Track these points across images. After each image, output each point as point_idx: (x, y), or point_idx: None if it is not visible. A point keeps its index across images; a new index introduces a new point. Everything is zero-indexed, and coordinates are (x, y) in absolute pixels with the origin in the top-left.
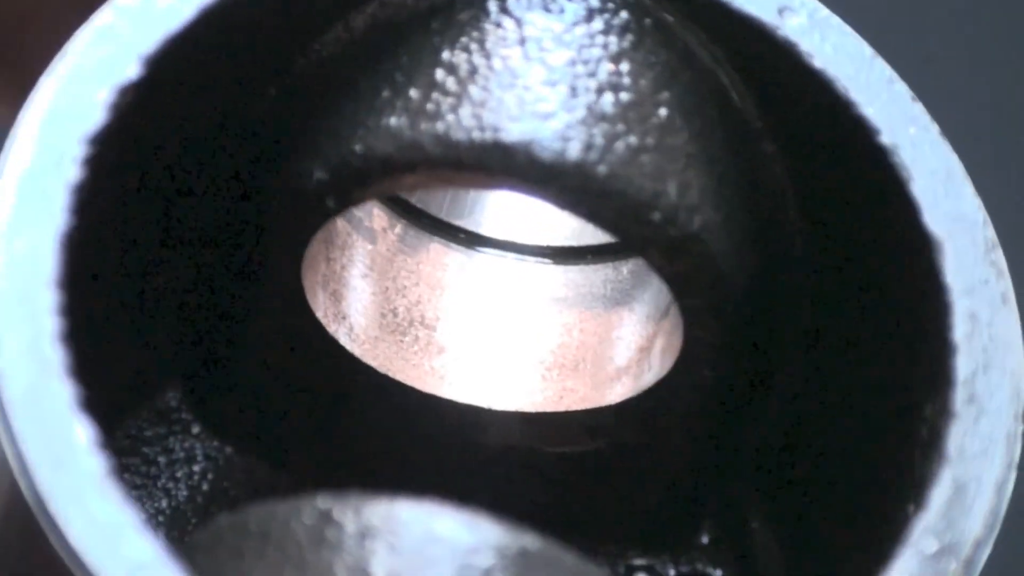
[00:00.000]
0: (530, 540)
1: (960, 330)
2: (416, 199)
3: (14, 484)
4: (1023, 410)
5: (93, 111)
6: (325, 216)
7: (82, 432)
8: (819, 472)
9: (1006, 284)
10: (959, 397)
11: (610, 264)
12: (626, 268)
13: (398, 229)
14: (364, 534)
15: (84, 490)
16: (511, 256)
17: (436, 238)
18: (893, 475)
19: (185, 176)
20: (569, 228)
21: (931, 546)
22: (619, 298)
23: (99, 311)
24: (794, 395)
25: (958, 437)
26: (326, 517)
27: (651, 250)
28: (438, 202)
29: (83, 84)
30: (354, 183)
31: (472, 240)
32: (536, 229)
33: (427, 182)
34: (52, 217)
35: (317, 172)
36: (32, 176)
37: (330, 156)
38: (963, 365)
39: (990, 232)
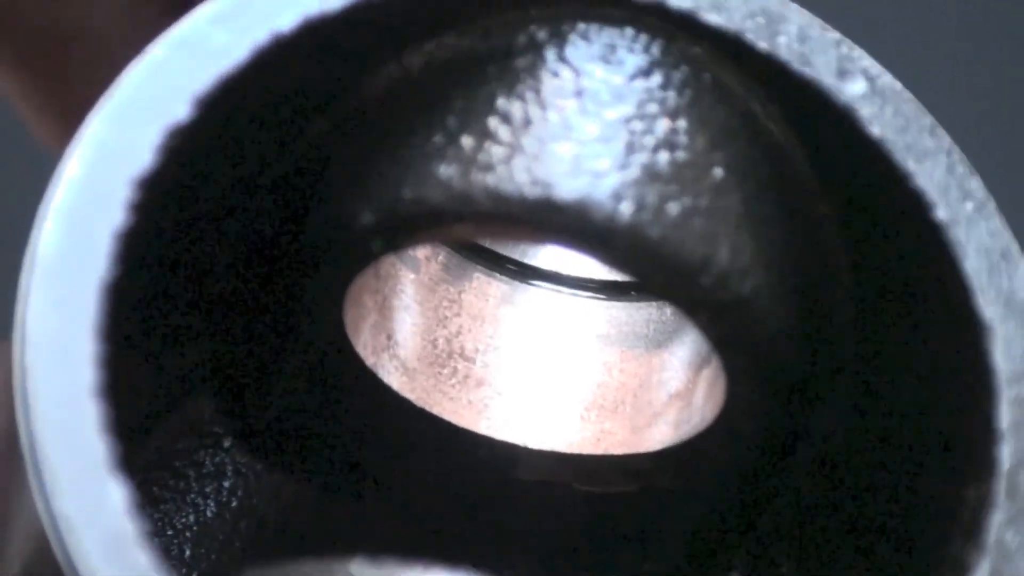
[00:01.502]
0: None
1: (1007, 418)
2: None
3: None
4: None
5: (142, 153)
6: (369, 259)
7: (117, 492)
8: (855, 536)
9: None
10: (1001, 488)
11: (654, 303)
12: (669, 309)
13: (442, 257)
14: None
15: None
16: (555, 288)
17: (480, 267)
18: (931, 554)
19: (232, 215)
20: None
21: None
22: (661, 340)
23: (139, 337)
24: (835, 457)
25: (998, 529)
26: None
27: (699, 314)
28: None
29: (132, 124)
30: (401, 229)
31: (516, 270)
32: (581, 261)
33: (476, 233)
34: (96, 263)
35: (365, 215)
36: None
37: (379, 200)
38: (1007, 455)
39: None
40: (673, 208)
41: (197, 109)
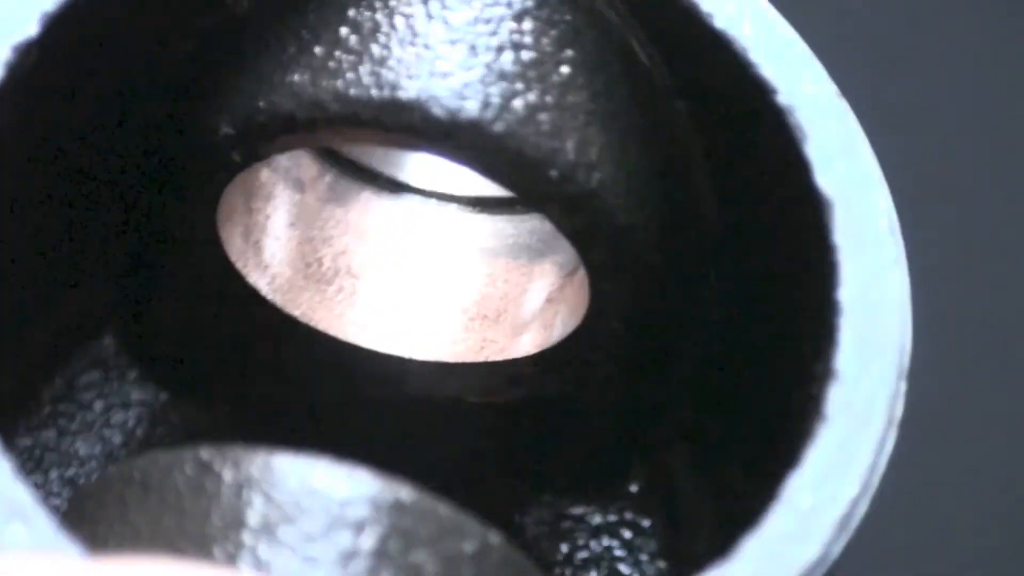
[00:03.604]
0: (406, 492)
1: (846, 291)
2: (347, 148)
3: None
4: (906, 370)
5: None
6: (233, 170)
7: None
8: (729, 422)
9: (896, 246)
10: (841, 358)
11: (538, 215)
12: None
13: (328, 178)
14: (242, 485)
15: None
16: (439, 204)
17: (366, 187)
18: (786, 431)
19: (91, 133)
20: None
21: (805, 501)
22: (543, 249)
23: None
24: (703, 348)
25: (839, 397)
26: (206, 468)
27: (549, 207)
28: (369, 150)
29: None
30: (258, 138)
31: (401, 189)
32: (468, 178)
33: (329, 139)
34: None
35: (224, 127)
36: None
37: (236, 111)
38: (847, 326)
39: (885, 193)
40: (517, 105)
41: (47, 26)
